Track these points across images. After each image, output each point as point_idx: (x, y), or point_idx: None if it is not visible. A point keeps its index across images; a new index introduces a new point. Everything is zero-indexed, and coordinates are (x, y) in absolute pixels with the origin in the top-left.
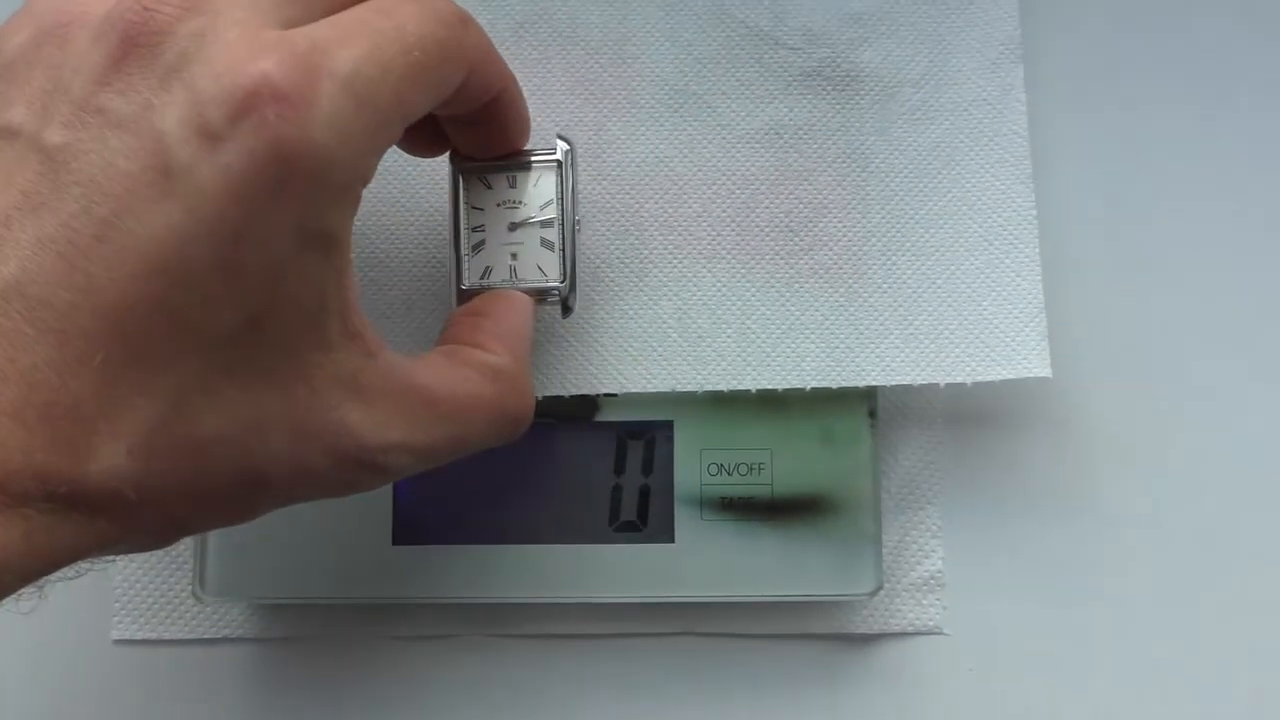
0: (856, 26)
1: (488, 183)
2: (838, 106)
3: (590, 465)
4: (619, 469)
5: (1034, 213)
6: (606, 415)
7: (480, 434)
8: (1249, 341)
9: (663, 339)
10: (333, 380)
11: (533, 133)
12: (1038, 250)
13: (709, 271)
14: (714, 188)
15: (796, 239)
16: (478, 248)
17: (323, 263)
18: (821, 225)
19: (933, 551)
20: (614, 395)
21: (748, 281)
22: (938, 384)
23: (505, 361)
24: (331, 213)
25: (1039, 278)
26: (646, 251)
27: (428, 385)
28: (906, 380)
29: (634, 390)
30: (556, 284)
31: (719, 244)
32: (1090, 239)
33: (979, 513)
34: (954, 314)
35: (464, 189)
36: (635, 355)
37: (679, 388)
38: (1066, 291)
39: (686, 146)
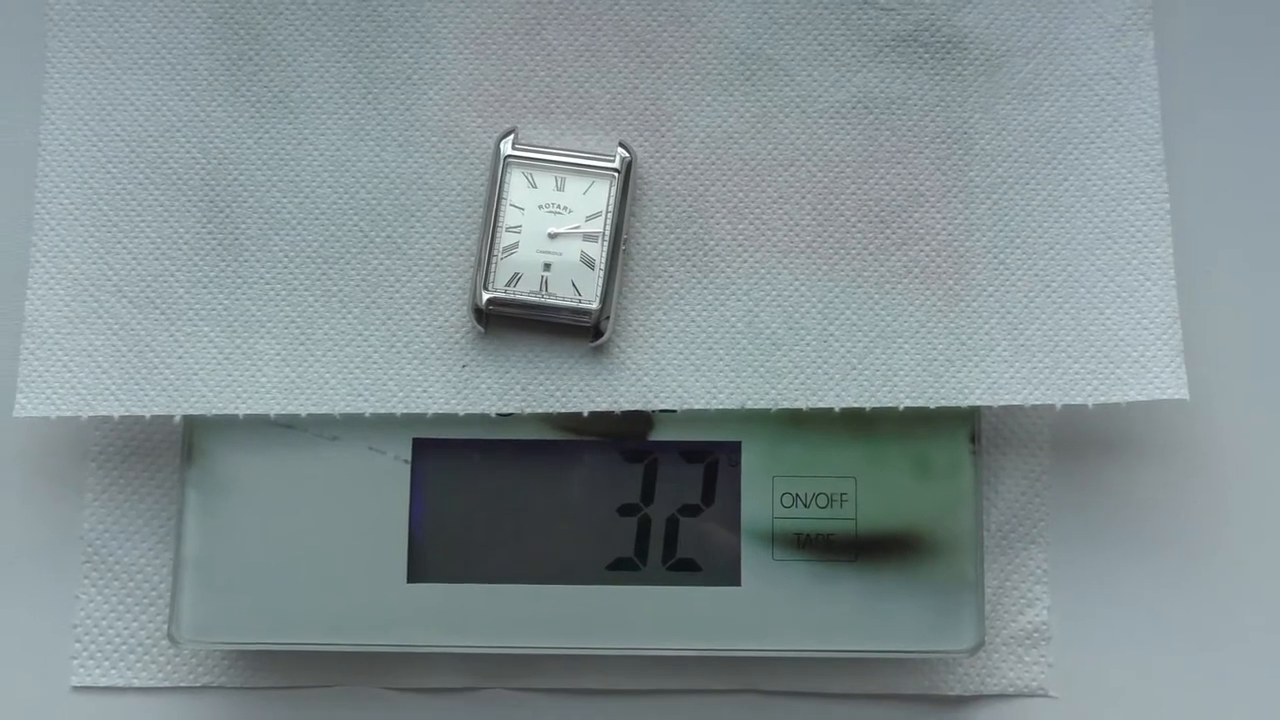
0: None
1: (533, 180)
2: (936, 77)
3: (641, 492)
4: (675, 498)
5: (1166, 205)
6: (662, 434)
7: None
8: None
9: (730, 346)
10: None
11: (588, 124)
12: (1171, 250)
13: (785, 268)
14: (791, 169)
15: (888, 231)
16: (509, 250)
17: None
18: (917, 216)
19: (1037, 600)
20: (671, 411)
21: (830, 280)
22: (1052, 405)
23: None
24: None
25: (1173, 282)
26: (712, 243)
27: None
28: (1017, 400)
29: (695, 406)
30: (589, 307)
31: (797, 235)
32: (1231, 236)
33: (1090, 556)
34: (1072, 324)
35: (506, 182)
36: (697, 365)
37: (749, 404)
38: (1203, 298)
39: (759, 120)
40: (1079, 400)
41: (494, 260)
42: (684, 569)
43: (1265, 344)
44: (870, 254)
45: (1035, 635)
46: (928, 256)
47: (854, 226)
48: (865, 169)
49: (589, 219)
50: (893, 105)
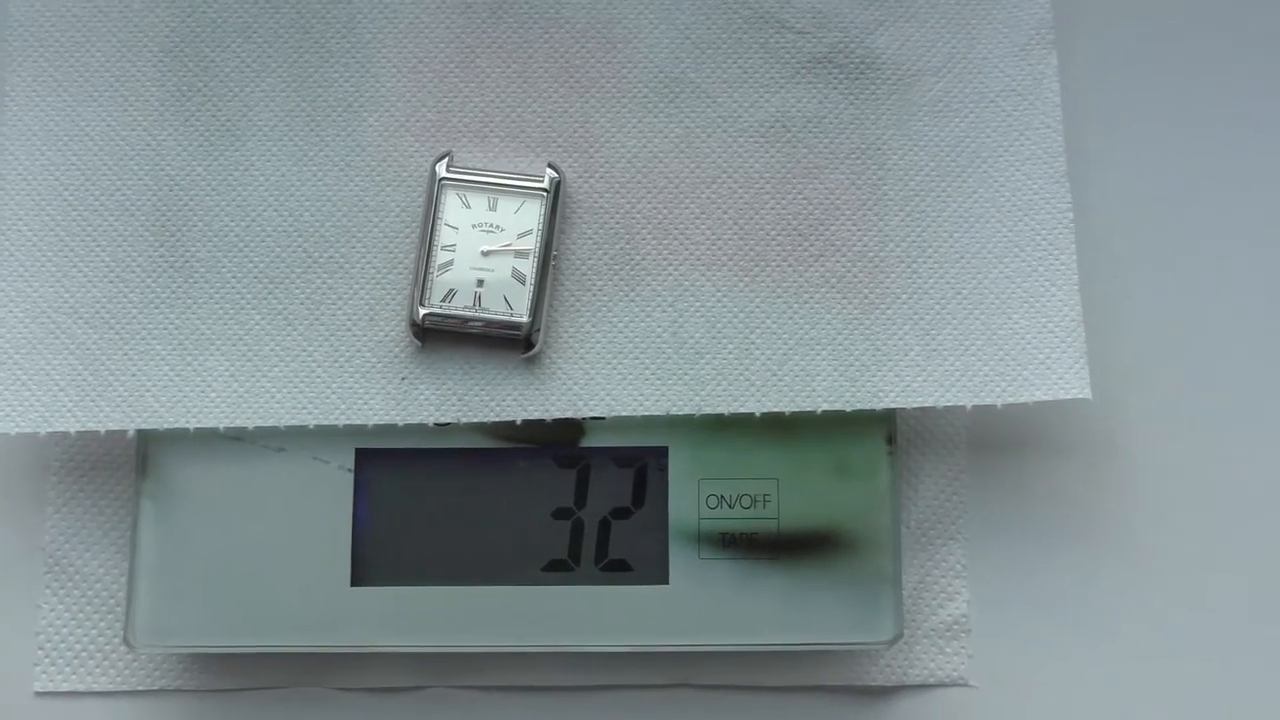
0: (871, 8)
1: (467, 201)
2: (851, 97)
3: (574, 497)
4: (606, 501)
5: (1070, 215)
6: (592, 440)
7: None
8: None
9: (656, 355)
10: None
11: (520, 147)
12: (1075, 257)
13: (708, 280)
14: (713, 186)
15: (805, 244)
16: (445, 268)
17: None
18: (833, 229)
19: (957, 594)
20: (601, 418)
21: (751, 291)
22: (963, 406)
23: None
24: None
25: (1076, 288)
26: (638, 257)
27: None
28: (929, 402)
29: (623, 413)
30: (520, 321)
31: (719, 249)
32: (1132, 244)
33: (1008, 550)
34: (981, 328)
35: (441, 202)
36: (625, 374)
37: (674, 410)
38: (1106, 303)
39: (683, 140)
40: (988, 400)
41: (430, 277)
42: (615, 569)
43: (1165, 346)
44: (789, 265)
45: (955, 627)
46: (844, 267)
47: (773, 240)
48: (784, 185)
49: (520, 236)
50: (809, 124)
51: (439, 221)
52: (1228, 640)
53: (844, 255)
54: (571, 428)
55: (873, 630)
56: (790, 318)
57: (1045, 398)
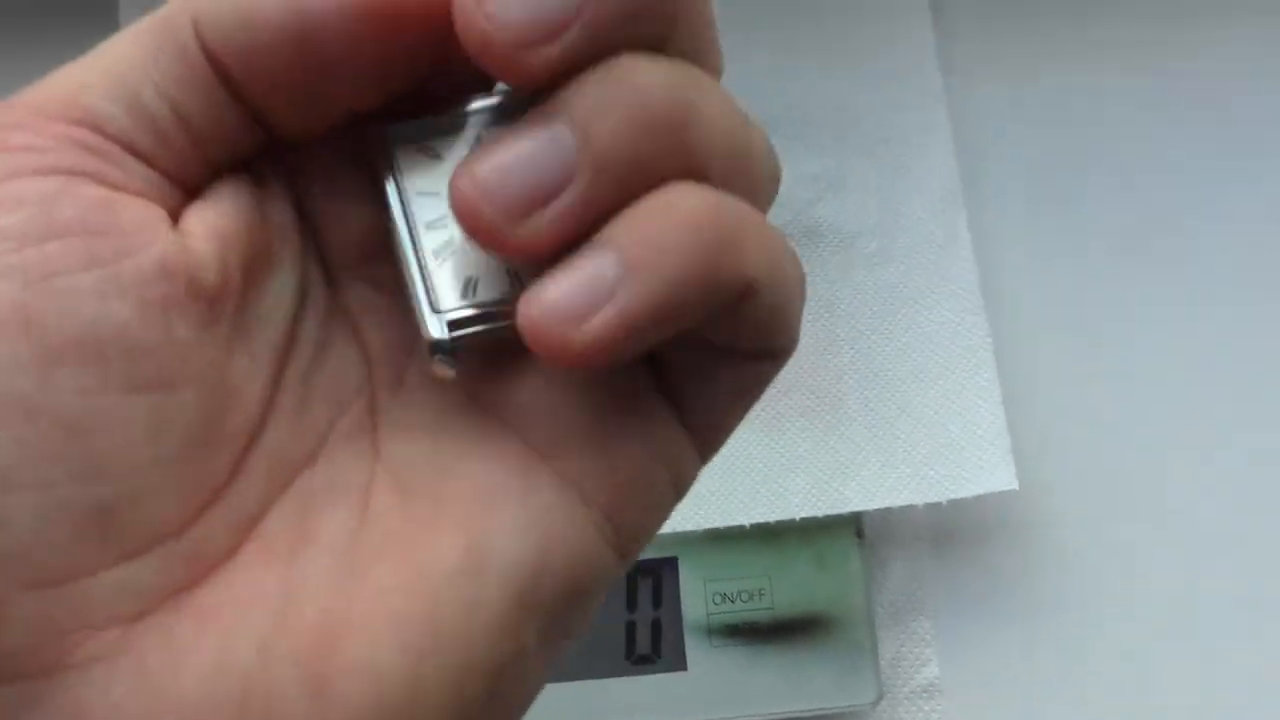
0: (812, 186)
1: (436, 151)
2: (803, 258)
3: (604, 603)
4: (631, 605)
5: (989, 340)
6: None
7: None
8: (1187, 424)
9: None
10: None
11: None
12: (995, 374)
13: None
14: None
15: (776, 383)
16: (443, 252)
17: None
18: (797, 368)
19: (928, 660)
20: None
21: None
22: (916, 504)
23: None
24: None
25: (999, 400)
26: None
27: None
28: (887, 503)
29: None
30: None
31: None
32: (1048, 356)
33: (968, 620)
34: (925, 440)
35: (401, 170)
36: None
37: (678, 527)
38: (1027, 407)
39: None
40: (935, 498)
41: (431, 273)
42: (642, 661)
43: (1083, 440)
44: (764, 403)
45: (931, 689)
46: (808, 400)
47: None
48: None
49: None
50: None
51: (411, 194)
52: (1158, 676)
53: (808, 390)
54: None
55: (857, 694)
56: (769, 444)
57: (980, 492)
